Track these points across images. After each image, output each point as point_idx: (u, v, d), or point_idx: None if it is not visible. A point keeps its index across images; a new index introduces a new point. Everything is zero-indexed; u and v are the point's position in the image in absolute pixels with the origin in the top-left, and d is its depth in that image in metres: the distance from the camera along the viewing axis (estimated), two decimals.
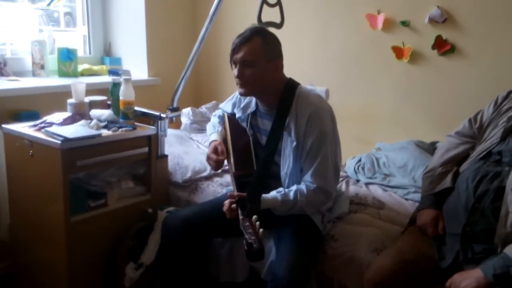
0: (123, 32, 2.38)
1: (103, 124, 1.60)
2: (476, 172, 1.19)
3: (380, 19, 1.96)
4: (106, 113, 1.65)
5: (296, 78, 1.45)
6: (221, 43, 2.52)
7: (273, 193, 1.35)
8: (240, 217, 1.19)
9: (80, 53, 2.30)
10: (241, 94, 1.42)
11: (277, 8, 1.81)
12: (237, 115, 1.56)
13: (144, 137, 1.66)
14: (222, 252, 1.55)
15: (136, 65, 2.37)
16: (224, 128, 1.60)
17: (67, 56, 2.10)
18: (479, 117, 1.35)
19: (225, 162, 1.55)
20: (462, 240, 1.16)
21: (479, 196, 1.15)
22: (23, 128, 1.53)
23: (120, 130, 1.58)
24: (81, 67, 2.20)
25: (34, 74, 2.06)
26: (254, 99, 1.49)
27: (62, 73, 2.11)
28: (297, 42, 2.18)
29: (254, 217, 1.15)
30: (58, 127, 1.52)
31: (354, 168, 1.90)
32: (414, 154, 1.80)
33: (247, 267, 1.52)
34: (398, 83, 2.00)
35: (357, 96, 2.11)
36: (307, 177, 1.35)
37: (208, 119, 2.32)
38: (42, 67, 2.04)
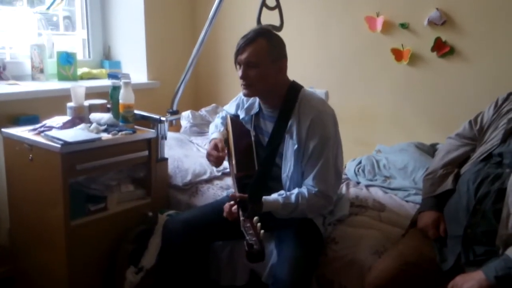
0: (123, 35, 2.39)
1: (102, 127, 1.60)
2: (477, 174, 1.19)
3: (379, 22, 1.97)
4: (105, 116, 1.65)
5: (296, 81, 1.45)
6: (221, 46, 2.52)
7: (274, 196, 1.34)
8: (241, 218, 1.18)
9: (79, 57, 2.30)
10: (245, 95, 1.43)
11: (276, 11, 1.82)
12: (241, 116, 1.56)
13: (144, 141, 1.66)
14: (222, 255, 1.55)
15: (136, 68, 2.37)
16: (226, 129, 1.60)
17: (67, 59, 2.10)
18: (479, 119, 1.35)
19: (227, 164, 1.55)
20: (464, 242, 1.16)
21: (480, 198, 1.14)
22: (23, 132, 1.53)
23: (119, 133, 1.58)
24: (80, 71, 2.20)
25: (33, 78, 2.06)
26: (257, 101, 1.49)
27: (62, 77, 2.11)
28: (296, 45, 2.18)
29: (255, 218, 1.14)
30: (58, 131, 1.52)
31: (355, 170, 1.90)
32: (414, 156, 1.80)
33: (248, 270, 1.52)
34: (398, 85, 2.00)
35: (356, 98, 2.12)
36: (309, 180, 1.35)
37: (208, 122, 2.32)
38: (42, 71, 2.04)
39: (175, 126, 2.36)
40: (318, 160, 1.33)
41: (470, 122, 1.37)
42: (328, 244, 1.41)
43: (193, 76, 2.39)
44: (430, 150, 1.85)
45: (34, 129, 1.54)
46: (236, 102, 1.61)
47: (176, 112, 2.23)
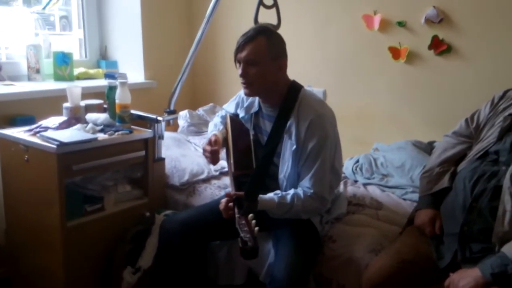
0: (119, 35, 2.38)
1: (99, 128, 1.59)
2: (473, 171, 1.19)
3: (377, 20, 1.96)
4: (102, 116, 1.65)
5: (295, 80, 1.45)
6: (218, 45, 2.52)
7: (270, 195, 1.34)
8: (237, 215, 1.19)
9: (76, 57, 2.29)
10: (246, 95, 1.43)
11: (273, 9, 1.81)
12: (240, 115, 1.56)
13: (141, 141, 1.66)
14: (220, 254, 1.55)
15: (133, 68, 2.36)
16: (226, 128, 1.60)
17: (63, 60, 2.10)
18: (475, 117, 1.35)
19: (224, 163, 1.54)
20: (460, 240, 1.16)
21: (477, 195, 1.15)
22: (19, 133, 1.53)
23: (116, 133, 1.58)
24: (77, 71, 2.20)
25: (29, 79, 2.05)
26: (257, 99, 1.49)
27: (58, 77, 2.10)
28: (294, 44, 2.16)
29: (250, 215, 1.15)
30: (54, 131, 1.52)
31: (352, 169, 1.90)
32: (411, 154, 1.80)
33: (245, 270, 1.52)
34: (395, 83, 2.00)
35: (354, 97, 2.11)
36: (305, 182, 1.35)
37: (206, 122, 2.31)
38: (38, 71, 2.04)
39: (173, 126, 2.35)
40: (315, 161, 1.33)
41: (466, 120, 1.38)
42: (326, 242, 1.41)
43: (190, 75, 2.39)
44: (428, 148, 1.85)
45: (30, 130, 1.53)
46: (235, 101, 1.61)
47: (174, 112, 2.22)
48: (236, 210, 1.21)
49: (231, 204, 1.26)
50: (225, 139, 1.56)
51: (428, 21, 1.85)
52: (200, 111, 2.42)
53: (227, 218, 1.27)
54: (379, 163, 1.87)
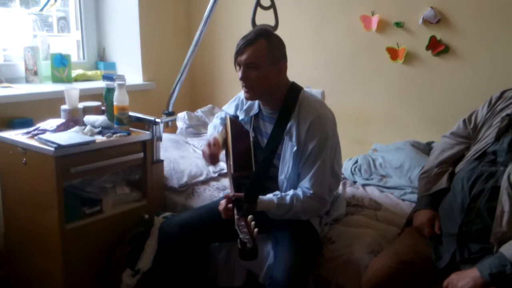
0: (117, 36, 2.38)
1: (97, 130, 1.59)
2: (471, 172, 1.19)
3: (374, 21, 1.97)
4: (100, 119, 1.64)
5: (294, 81, 1.45)
6: (216, 46, 2.52)
7: (269, 196, 1.34)
8: (236, 216, 1.19)
9: (74, 58, 2.29)
10: (247, 99, 1.43)
11: (271, 10, 1.82)
12: (240, 117, 1.55)
13: (139, 143, 1.65)
14: (219, 256, 1.55)
15: (131, 69, 2.36)
16: (225, 130, 1.60)
17: (61, 61, 2.09)
18: (473, 117, 1.35)
19: (223, 165, 1.54)
20: (459, 240, 1.17)
21: (475, 196, 1.15)
22: (16, 135, 1.52)
23: (114, 135, 1.57)
24: (75, 73, 2.19)
25: (27, 81, 2.05)
26: (257, 101, 1.49)
27: (56, 79, 2.10)
28: (292, 45, 2.16)
29: (250, 216, 1.15)
30: (52, 134, 1.51)
31: (351, 170, 1.90)
32: (410, 155, 1.80)
33: (245, 271, 1.52)
34: (393, 84, 2.00)
35: (352, 98, 2.12)
36: (304, 182, 1.35)
37: (204, 123, 2.31)
38: (35, 73, 2.03)
39: (171, 127, 2.36)
40: (315, 162, 1.33)
41: (464, 120, 1.38)
42: (325, 244, 1.41)
43: (188, 77, 2.39)
44: (426, 149, 1.85)
45: (28, 132, 1.53)
46: (235, 102, 1.61)
47: (172, 113, 2.22)
48: (235, 211, 1.21)
49: (230, 205, 1.26)
50: (225, 141, 1.56)
51: (426, 21, 1.85)
52: (199, 112, 2.42)
53: (226, 218, 1.27)
54: (378, 164, 1.87)
